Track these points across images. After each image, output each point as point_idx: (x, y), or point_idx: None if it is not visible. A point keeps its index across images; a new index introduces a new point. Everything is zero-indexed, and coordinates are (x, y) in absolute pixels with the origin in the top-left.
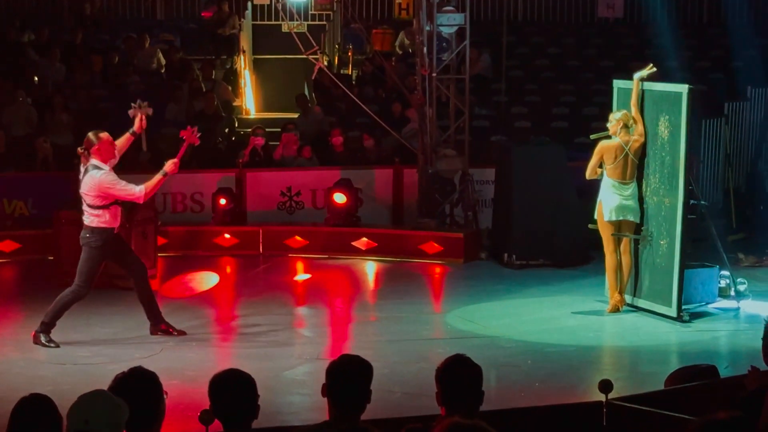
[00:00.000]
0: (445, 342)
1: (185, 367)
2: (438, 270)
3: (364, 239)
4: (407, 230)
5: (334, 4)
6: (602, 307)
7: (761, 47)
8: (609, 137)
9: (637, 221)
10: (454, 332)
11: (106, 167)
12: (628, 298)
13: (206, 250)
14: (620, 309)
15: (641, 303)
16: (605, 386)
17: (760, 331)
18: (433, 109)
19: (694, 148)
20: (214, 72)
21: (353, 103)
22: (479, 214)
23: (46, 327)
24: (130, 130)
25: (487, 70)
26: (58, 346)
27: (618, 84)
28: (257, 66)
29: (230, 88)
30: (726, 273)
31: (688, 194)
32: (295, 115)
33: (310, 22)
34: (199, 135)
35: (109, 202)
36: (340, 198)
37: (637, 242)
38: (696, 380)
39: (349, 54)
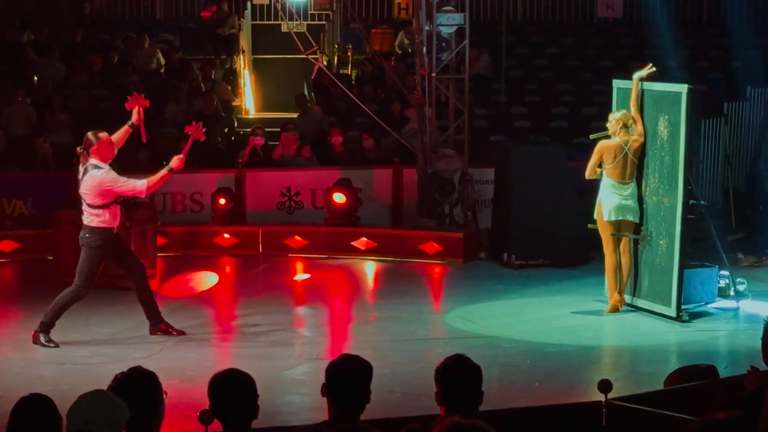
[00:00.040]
0: (445, 342)
1: (185, 366)
2: (437, 270)
3: (364, 239)
4: (407, 230)
5: (334, 3)
6: (602, 307)
7: (761, 47)
8: (608, 137)
9: (637, 221)
10: (454, 332)
11: (106, 166)
12: (627, 298)
13: (206, 250)
14: (620, 309)
15: (641, 303)
16: (605, 386)
17: (759, 331)
18: (433, 109)
19: (693, 148)
20: (213, 72)
21: (353, 102)
22: (479, 214)
23: (46, 327)
24: (129, 123)
25: (487, 70)
26: (57, 345)
27: (617, 84)
28: (257, 66)
29: (230, 87)
30: (725, 273)
31: (688, 194)
32: (295, 115)
33: (309, 22)
34: (204, 130)
35: (109, 201)
36: (339, 198)
37: (636, 242)
38: (695, 380)
39: (349, 54)
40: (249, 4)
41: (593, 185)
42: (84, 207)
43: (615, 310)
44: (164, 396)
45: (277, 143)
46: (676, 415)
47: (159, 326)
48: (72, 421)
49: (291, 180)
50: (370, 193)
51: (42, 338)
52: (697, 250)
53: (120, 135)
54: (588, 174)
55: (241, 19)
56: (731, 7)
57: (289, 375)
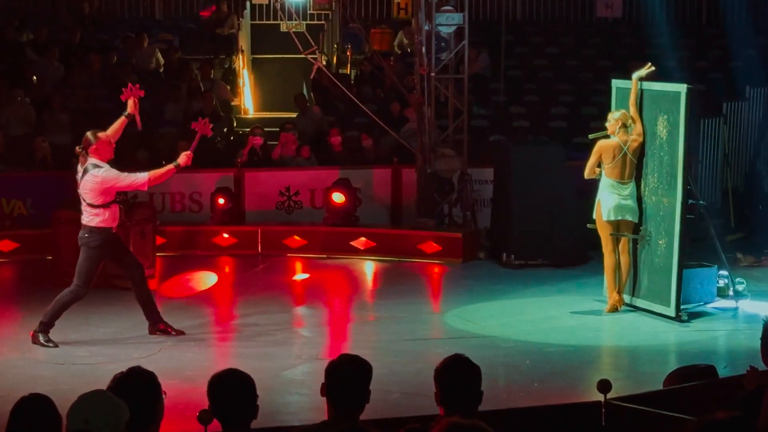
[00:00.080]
0: (444, 342)
1: (184, 366)
2: (436, 270)
3: (363, 239)
4: (406, 230)
5: (333, 3)
6: (601, 307)
7: (760, 47)
8: (607, 137)
9: (636, 221)
10: (453, 332)
11: (106, 165)
12: (626, 298)
13: (205, 250)
14: (619, 309)
15: (640, 303)
16: (604, 386)
17: (758, 330)
18: (432, 108)
19: (692, 148)
20: (212, 71)
21: (352, 102)
22: (478, 214)
23: (45, 327)
24: (125, 113)
25: (486, 70)
26: (56, 345)
27: (617, 83)
28: (256, 65)
29: (229, 87)
30: (724, 273)
31: (687, 194)
32: (294, 115)
33: (308, 22)
34: (211, 126)
35: (110, 200)
36: (338, 198)
37: (635, 242)
38: (694, 380)
39: (348, 54)
40: (248, 3)
41: (592, 185)
42: (83, 207)
43: (614, 310)
44: (163, 396)
45: (276, 143)
46: (676, 415)
47: (158, 326)
48: (72, 420)
49: (290, 180)
50: (369, 193)
51: (41, 338)
52: (696, 249)
53: (116, 127)
54: (587, 174)
55: (240, 19)
56: (730, 8)
57: (289, 375)
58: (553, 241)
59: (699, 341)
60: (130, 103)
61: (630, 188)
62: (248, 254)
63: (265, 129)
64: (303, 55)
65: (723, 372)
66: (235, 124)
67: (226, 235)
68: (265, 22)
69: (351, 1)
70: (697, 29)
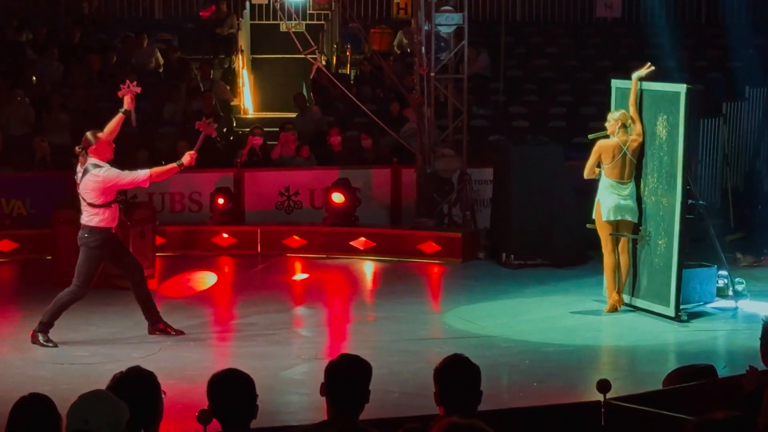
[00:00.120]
0: (443, 342)
1: (183, 366)
2: (436, 270)
3: (363, 239)
4: (405, 230)
5: (332, 3)
6: (600, 307)
7: (759, 47)
8: (607, 137)
9: (635, 221)
10: (453, 332)
11: (106, 164)
12: (626, 298)
13: (204, 250)
14: (618, 309)
15: (639, 303)
16: (603, 386)
17: (758, 330)
18: (432, 108)
19: (692, 148)
20: (212, 71)
21: (351, 102)
22: (477, 214)
23: (45, 327)
24: (121, 110)
25: (486, 70)
26: (56, 345)
27: (616, 83)
28: (255, 65)
29: (228, 87)
30: (724, 273)
31: (686, 194)
32: (293, 115)
33: (308, 22)
34: (215, 126)
35: (111, 199)
36: (338, 198)
37: (635, 242)
38: (694, 380)
39: (348, 53)
40: (248, 3)
41: (592, 185)
42: (83, 206)
43: (614, 309)
44: (163, 396)
45: (276, 143)
46: (675, 415)
47: (158, 326)
48: (72, 420)
49: (290, 180)
50: (368, 193)
51: (40, 338)
52: (696, 249)
53: (114, 124)
54: (586, 174)
55: (240, 19)
56: (730, 7)
57: (288, 375)
58: (552, 241)
59: (698, 341)
60: (127, 100)
61: (629, 188)
62: (248, 254)
63: (265, 129)
64: (302, 55)
65: (722, 372)
66: (234, 124)
67: (225, 235)
68: (264, 22)
69: (350, 1)
70: (696, 29)
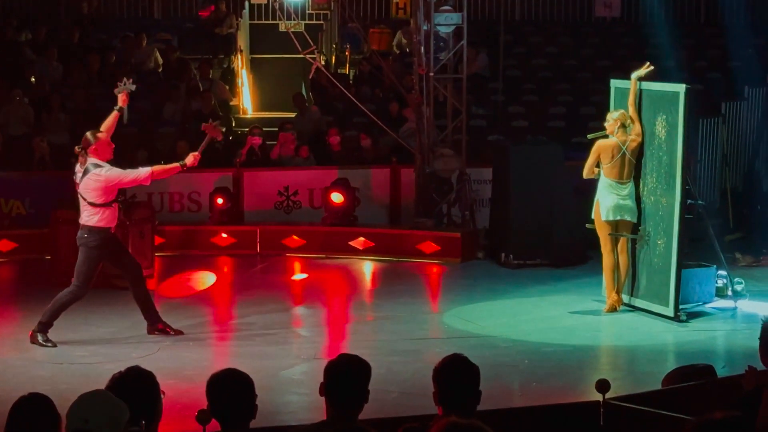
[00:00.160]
0: (443, 342)
1: (182, 366)
2: (435, 269)
3: (362, 239)
4: (404, 230)
5: (331, 3)
6: (599, 307)
7: (758, 47)
8: (606, 137)
9: (635, 221)
10: (452, 332)
11: (107, 164)
12: (625, 298)
13: (203, 250)
14: (617, 309)
15: (638, 303)
16: (602, 386)
17: (757, 330)
18: (431, 108)
19: (691, 148)
20: (211, 71)
21: (350, 102)
22: (476, 214)
23: (44, 326)
24: (116, 107)
25: (485, 70)
26: (55, 345)
27: (615, 83)
28: (254, 65)
29: (227, 87)
30: (723, 273)
31: (686, 194)
32: (293, 115)
33: (307, 22)
34: (223, 130)
35: (111, 198)
36: (337, 197)
37: (634, 242)
38: (693, 380)
39: (347, 53)
40: (247, 3)
41: (591, 185)
42: (83, 206)
43: (613, 309)
44: (162, 395)
45: (275, 143)
46: (674, 414)
47: (157, 326)
48: (72, 420)
49: (289, 179)
50: (367, 193)
51: (40, 338)
52: (695, 249)
53: (110, 122)
54: (585, 173)
55: (239, 19)
56: (729, 7)
57: (287, 375)
58: (551, 240)
59: (697, 341)
60: (122, 97)
61: (629, 188)
62: (247, 254)
63: (264, 129)
64: (302, 55)
65: (721, 372)
66: (233, 124)
67: (224, 235)
68: (263, 21)
69: (350, 1)
70: (695, 29)
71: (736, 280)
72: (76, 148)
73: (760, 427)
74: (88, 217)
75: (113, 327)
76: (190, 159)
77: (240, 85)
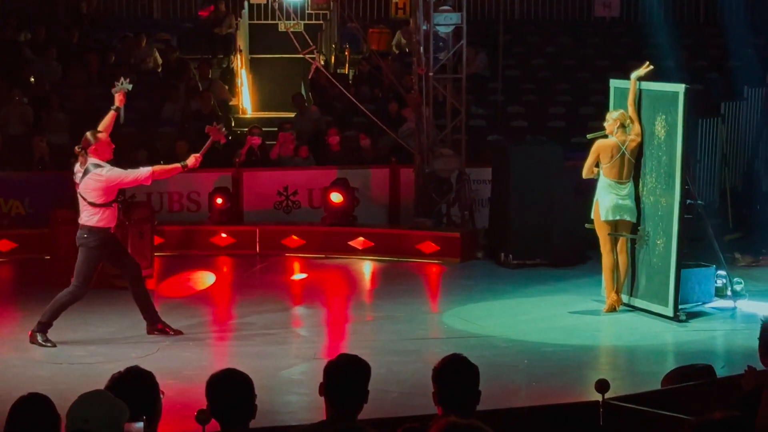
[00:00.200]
0: (442, 342)
1: (182, 366)
2: (435, 269)
3: (361, 239)
4: (404, 230)
5: (331, 3)
6: (599, 307)
7: (758, 47)
8: (606, 136)
9: (634, 221)
10: (451, 332)
11: (107, 164)
12: (624, 298)
13: (203, 250)
14: (617, 309)
15: (638, 303)
16: (602, 386)
17: (756, 330)
18: (430, 108)
19: (690, 148)
20: (210, 71)
21: (350, 102)
22: (476, 214)
23: (43, 326)
24: (113, 107)
25: (484, 70)
26: (54, 345)
27: (615, 83)
28: (254, 65)
29: (227, 87)
30: (723, 273)
31: (685, 194)
32: (292, 115)
33: (306, 22)
34: (226, 133)
35: (112, 198)
36: (336, 197)
37: (633, 242)
38: (692, 380)
39: (346, 53)
40: (246, 3)
41: (590, 185)
42: (83, 206)
43: (612, 309)
44: (161, 395)
45: (275, 143)
46: (674, 415)
47: (156, 326)
48: (72, 420)
49: (288, 179)
50: (367, 193)
51: (39, 338)
52: (695, 249)
53: (107, 122)
54: (585, 173)
55: (239, 19)
56: (728, 7)
57: (287, 375)
58: (551, 240)
59: (697, 341)
60: (119, 97)
61: (628, 188)
62: (246, 254)
63: (264, 129)
64: (301, 55)
65: (721, 372)
66: (233, 124)
67: (224, 235)
68: (263, 21)
69: (349, 1)
70: (695, 29)
71: (735, 280)
72: (76, 148)
73: (760, 427)
74: (88, 217)
75: (113, 327)
76: (192, 160)
77: (239, 85)
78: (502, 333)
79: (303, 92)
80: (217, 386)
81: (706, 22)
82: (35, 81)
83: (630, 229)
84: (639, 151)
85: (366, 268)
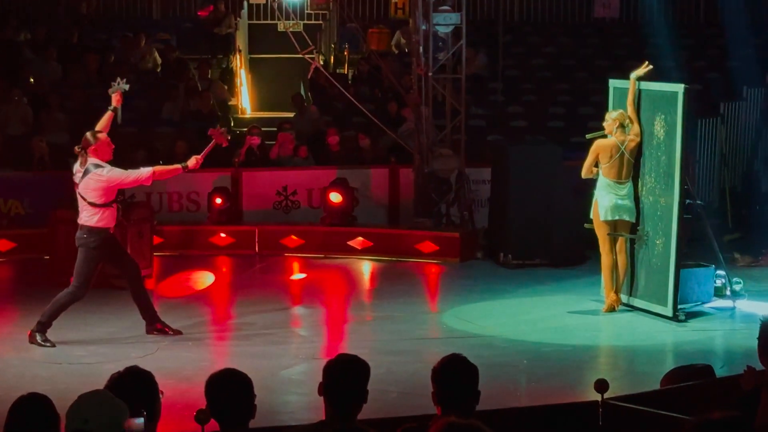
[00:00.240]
0: (441, 341)
1: (181, 366)
2: (434, 269)
3: (360, 239)
4: (403, 230)
5: (330, 3)
6: (598, 307)
7: (757, 47)
8: (605, 136)
9: (633, 221)
10: (450, 332)
11: (107, 164)
12: (623, 298)
13: (202, 250)
14: (616, 308)
15: (637, 302)
16: (601, 386)
17: (755, 330)
18: (429, 108)
19: (689, 148)
20: (210, 71)
21: (349, 102)
22: (475, 214)
23: (43, 326)
24: (110, 108)
25: (484, 70)
26: (53, 345)
27: (614, 83)
28: (253, 65)
29: (226, 87)
30: (722, 273)
31: (684, 194)
32: (291, 115)
33: (306, 22)
34: (228, 137)
35: (112, 198)
36: (336, 197)
37: (632, 242)
38: (692, 380)
39: (345, 53)
40: (246, 3)
41: (589, 185)
42: (83, 206)
43: (611, 309)
44: (161, 395)
45: (274, 143)
46: (673, 414)
47: (155, 326)
48: (71, 420)
49: (287, 179)
50: (366, 193)
51: (38, 338)
52: (694, 249)
53: (105, 122)
54: (584, 173)
55: (238, 19)
56: (728, 7)
57: (286, 374)
58: (550, 240)
59: (696, 341)
60: (116, 97)
61: (627, 188)
62: (245, 254)
63: (263, 129)
64: (300, 55)
65: (720, 372)
66: (232, 124)
67: (223, 235)
68: (262, 21)
69: (348, 1)
70: (694, 29)
71: (734, 280)
72: (76, 148)
73: (759, 427)
74: (88, 217)
75: (112, 327)
76: (193, 161)
77: (239, 84)
78: (502, 333)
79: (302, 92)
80: (217, 386)
81: (705, 22)
82: (35, 81)
83: (629, 229)
84: (638, 151)
85: (365, 268)
